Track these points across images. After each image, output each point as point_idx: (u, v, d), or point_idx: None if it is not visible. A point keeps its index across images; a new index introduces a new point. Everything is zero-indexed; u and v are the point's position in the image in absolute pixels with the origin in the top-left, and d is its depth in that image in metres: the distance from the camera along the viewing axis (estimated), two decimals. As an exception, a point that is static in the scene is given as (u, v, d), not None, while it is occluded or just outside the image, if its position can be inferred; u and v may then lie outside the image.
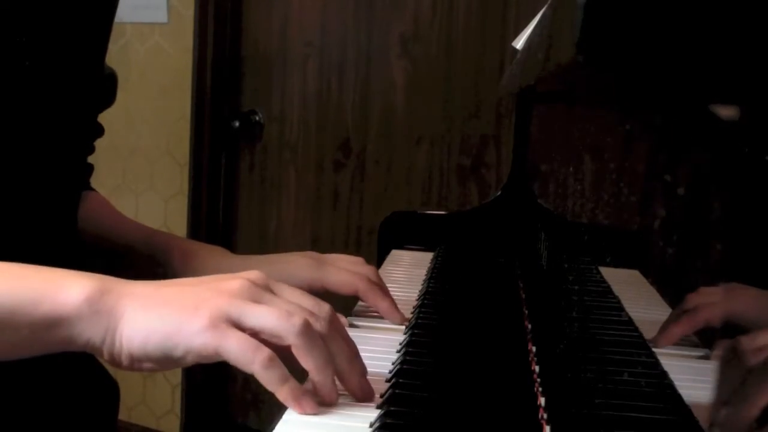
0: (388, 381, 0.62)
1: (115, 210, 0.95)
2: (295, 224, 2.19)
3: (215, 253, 0.87)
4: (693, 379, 0.68)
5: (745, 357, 0.59)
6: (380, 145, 2.05)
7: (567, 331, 0.78)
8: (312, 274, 0.82)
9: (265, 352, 0.54)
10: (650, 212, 0.89)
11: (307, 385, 0.57)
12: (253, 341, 0.54)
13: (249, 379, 2.35)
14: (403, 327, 0.80)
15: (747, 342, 0.60)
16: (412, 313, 0.83)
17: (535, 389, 0.63)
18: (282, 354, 0.56)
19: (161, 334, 0.55)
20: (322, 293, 0.82)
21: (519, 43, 1.11)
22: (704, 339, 0.80)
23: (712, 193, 0.83)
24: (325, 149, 2.13)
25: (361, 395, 0.59)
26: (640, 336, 0.78)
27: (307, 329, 0.55)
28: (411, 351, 0.69)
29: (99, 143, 0.93)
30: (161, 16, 2.24)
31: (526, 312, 0.86)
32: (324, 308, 0.59)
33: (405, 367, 0.64)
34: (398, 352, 0.71)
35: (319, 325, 0.57)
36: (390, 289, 0.85)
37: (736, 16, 0.33)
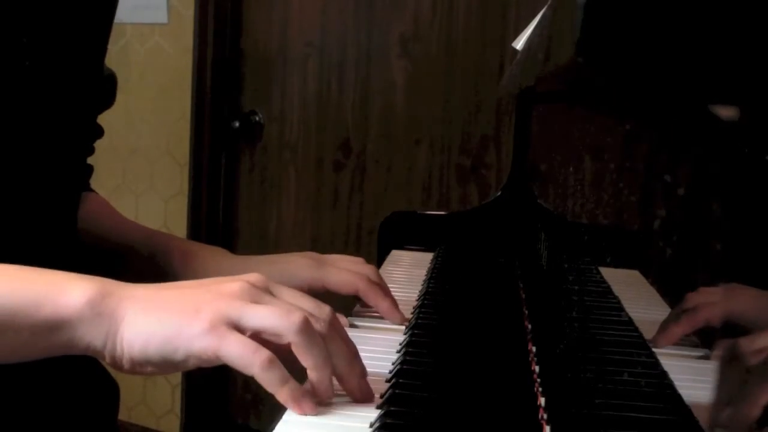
0: (388, 381, 0.62)
1: (114, 211, 0.95)
2: (295, 224, 2.19)
3: (215, 253, 0.87)
4: (693, 379, 0.68)
5: (745, 359, 0.59)
6: (380, 145, 2.05)
7: (567, 331, 0.78)
8: (312, 274, 0.82)
9: (265, 353, 0.54)
10: (650, 212, 0.89)
11: (306, 385, 0.57)
12: (253, 343, 0.54)
13: (249, 380, 2.33)
14: (403, 327, 0.80)
15: (746, 344, 0.60)
16: (412, 313, 0.83)
17: (535, 389, 0.63)
18: (282, 356, 0.56)
19: (161, 337, 0.55)
20: (322, 293, 0.82)
21: (519, 43, 1.11)
22: (704, 339, 0.80)
23: (712, 193, 0.83)
24: (325, 149, 2.13)
25: (360, 396, 0.59)
26: (640, 336, 0.78)
27: (306, 327, 0.55)
28: (411, 351, 0.69)
29: (99, 144, 0.93)
30: (161, 17, 2.24)
31: (526, 312, 0.86)
32: (324, 310, 0.59)
33: (405, 367, 0.64)
34: (398, 352, 0.71)
35: (318, 326, 0.57)
36: (390, 289, 0.85)
37: (735, 17, 0.33)
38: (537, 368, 0.68)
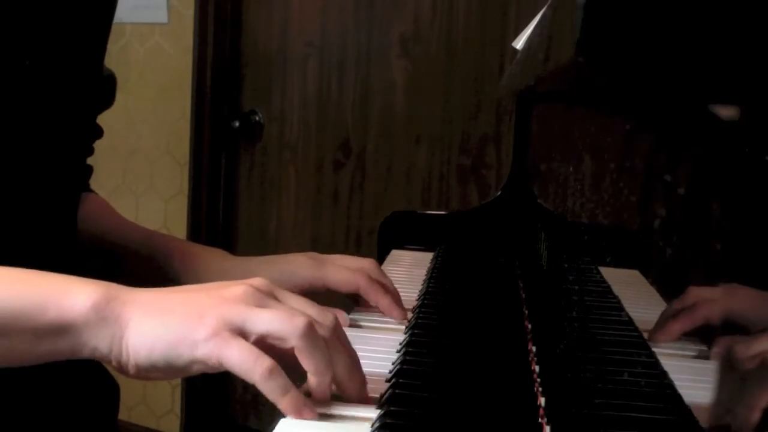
0: (388, 381, 0.62)
1: (114, 212, 0.95)
2: (295, 224, 2.19)
3: (216, 255, 0.87)
4: (693, 379, 0.68)
5: (742, 364, 0.59)
6: (380, 145, 2.05)
7: (567, 331, 0.78)
8: (313, 272, 0.82)
9: (266, 362, 0.54)
10: (650, 212, 0.89)
11: (303, 387, 0.57)
12: (255, 351, 0.54)
13: (249, 379, 2.34)
14: (404, 327, 0.80)
15: (742, 350, 0.60)
16: (412, 313, 0.83)
17: (535, 389, 0.63)
18: (285, 360, 0.56)
19: (165, 343, 0.55)
20: (323, 293, 0.82)
21: (519, 43, 1.11)
22: (704, 339, 0.80)
23: (712, 193, 0.83)
24: (325, 149, 2.13)
25: (358, 402, 0.59)
26: (640, 336, 0.78)
27: (310, 332, 0.55)
28: (411, 351, 0.69)
29: (99, 144, 0.93)
30: (161, 16, 2.24)
31: (526, 312, 0.86)
32: (328, 317, 0.59)
33: (405, 367, 0.64)
34: (398, 352, 0.71)
35: (322, 331, 0.57)
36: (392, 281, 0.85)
37: (735, 17, 0.33)
38: (537, 368, 0.68)
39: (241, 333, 0.55)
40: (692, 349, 0.79)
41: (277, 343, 0.55)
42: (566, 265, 0.95)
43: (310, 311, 0.59)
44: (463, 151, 1.95)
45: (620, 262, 1.01)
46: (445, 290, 0.95)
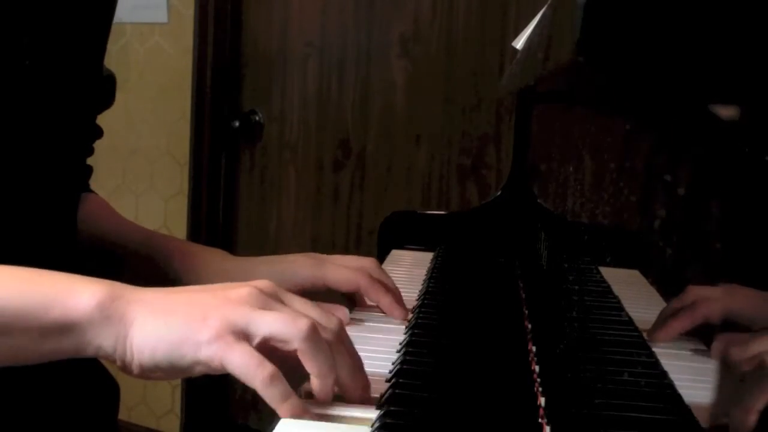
0: (388, 381, 0.62)
1: (114, 212, 0.95)
2: (295, 224, 2.19)
3: (216, 255, 0.87)
4: (693, 379, 0.68)
5: (739, 366, 0.59)
6: (380, 145, 2.05)
7: (567, 331, 0.78)
8: (313, 272, 0.82)
9: (268, 368, 0.54)
10: (650, 212, 0.89)
11: (308, 385, 0.57)
12: (257, 357, 0.54)
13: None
14: (403, 327, 0.80)
15: (738, 352, 0.60)
16: (411, 313, 0.83)
17: (535, 389, 0.63)
18: (287, 364, 0.56)
19: (168, 344, 0.55)
20: (323, 292, 0.82)
21: (519, 43, 1.11)
22: (704, 338, 0.80)
23: (712, 193, 0.83)
24: (325, 149, 2.13)
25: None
26: (640, 336, 0.78)
27: (313, 334, 0.55)
28: (411, 351, 0.69)
29: (99, 144, 0.93)
30: (161, 16, 2.24)
31: (526, 312, 0.86)
32: (332, 320, 0.59)
33: (405, 367, 0.64)
34: (398, 352, 0.71)
35: (325, 334, 0.57)
36: (392, 279, 0.85)
37: (735, 17, 0.33)
38: (537, 368, 0.68)
39: (245, 335, 0.55)
40: (692, 348, 0.79)
41: (280, 345, 0.55)
42: (566, 265, 0.95)
43: (314, 314, 0.59)
44: (463, 151, 1.95)
45: (620, 262, 1.01)
46: (445, 290, 0.95)
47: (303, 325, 0.55)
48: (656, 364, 0.70)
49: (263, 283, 0.59)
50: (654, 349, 0.74)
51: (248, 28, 2.22)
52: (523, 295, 0.93)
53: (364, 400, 0.58)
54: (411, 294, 0.93)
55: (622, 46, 0.34)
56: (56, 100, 0.75)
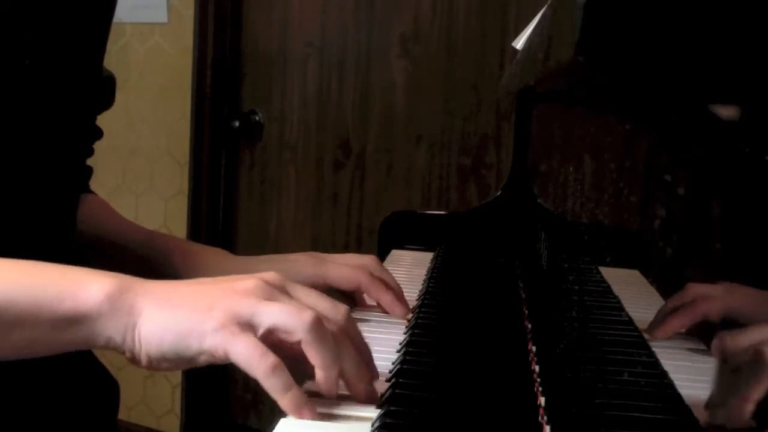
0: (388, 381, 0.62)
1: (114, 212, 0.95)
2: (295, 224, 2.19)
3: (217, 254, 0.87)
4: (693, 379, 0.68)
5: (734, 357, 0.59)
6: (380, 145, 2.05)
7: (567, 331, 0.78)
8: (314, 270, 0.82)
9: (270, 359, 0.54)
10: (650, 212, 0.89)
11: (310, 385, 0.57)
12: (261, 347, 0.54)
13: (249, 380, 2.35)
14: (404, 326, 0.80)
15: (733, 342, 0.60)
16: (412, 312, 0.83)
17: (535, 389, 0.63)
18: (294, 363, 0.56)
19: (174, 334, 0.55)
20: (325, 291, 0.82)
21: (519, 43, 1.11)
22: (704, 337, 0.80)
23: (712, 193, 0.83)
24: (325, 149, 2.13)
25: (365, 403, 0.59)
26: (640, 336, 0.78)
27: (317, 325, 0.55)
28: (411, 351, 0.69)
29: (99, 144, 0.93)
30: (161, 16, 2.24)
31: (526, 312, 0.86)
32: (340, 310, 0.59)
33: (405, 367, 0.64)
34: (398, 352, 0.71)
35: (331, 326, 0.57)
36: (394, 276, 0.86)
37: (735, 17, 0.33)
38: (537, 368, 0.68)
39: (249, 326, 0.55)
40: (692, 348, 0.79)
41: (284, 336, 0.55)
42: (566, 265, 0.95)
43: (322, 305, 0.59)
44: (463, 151, 1.95)
45: (620, 262, 1.01)
46: (445, 290, 0.95)
47: (307, 316, 0.55)
48: (656, 363, 0.70)
49: (270, 276, 0.60)
50: (654, 349, 0.74)
51: (248, 28, 2.22)
52: (523, 295, 0.93)
53: (369, 394, 0.58)
54: (411, 294, 0.93)
55: (621, 46, 0.34)
56: (56, 100, 0.75)
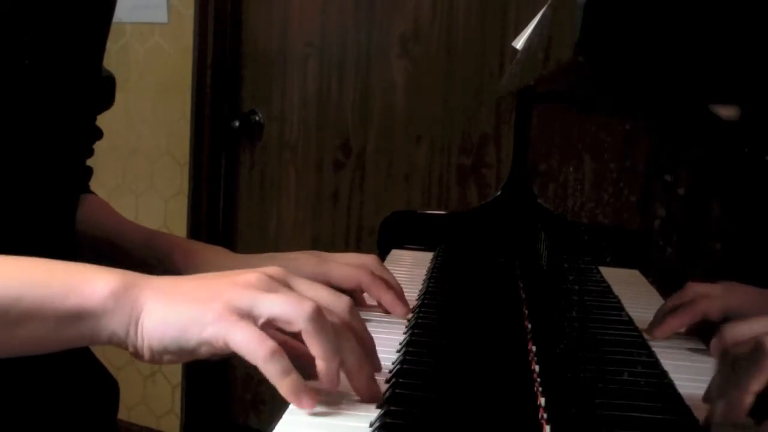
0: (388, 381, 0.62)
1: (115, 212, 0.95)
2: (295, 224, 2.20)
3: (218, 252, 0.87)
4: (693, 379, 0.68)
5: (733, 350, 0.59)
6: (380, 145, 2.06)
7: (567, 331, 0.78)
8: (315, 269, 0.82)
9: (269, 343, 0.54)
10: (650, 212, 0.89)
11: (312, 383, 0.57)
12: (259, 333, 0.55)
13: (249, 379, 2.35)
14: (404, 326, 0.80)
15: (731, 335, 0.60)
16: (412, 312, 0.83)
17: (535, 389, 0.63)
18: (299, 362, 0.56)
19: (176, 327, 0.56)
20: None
21: (519, 43, 1.11)
22: (704, 337, 0.80)
23: (712, 193, 0.83)
24: (325, 149, 2.13)
25: (365, 397, 0.58)
26: (640, 336, 0.78)
27: (317, 316, 0.55)
28: (411, 351, 0.69)
29: (99, 143, 0.93)
30: (161, 16, 2.24)
31: (526, 312, 0.86)
32: (343, 302, 0.60)
33: (405, 367, 0.64)
34: (398, 352, 0.71)
35: (332, 318, 0.57)
36: (394, 276, 0.86)
37: (735, 16, 0.33)
38: (537, 368, 0.68)
39: (249, 316, 0.56)
40: (691, 348, 0.79)
41: (284, 326, 0.56)
42: (566, 265, 0.95)
43: (325, 296, 0.60)
44: (463, 151, 1.95)
45: (620, 262, 1.01)
46: (445, 290, 0.95)
47: (308, 306, 0.56)
48: (656, 363, 0.70)
49: (273, 270, 0.60)
50: (654, 349, 0.74)
51: (248, 28, 2.22)
52: (523, 295, 0.93)
53: (369, 387, 0.58)
54: (411, 294, 0.93)
55: (622, 46, 0.34)
56: (56, 101, 0.75)
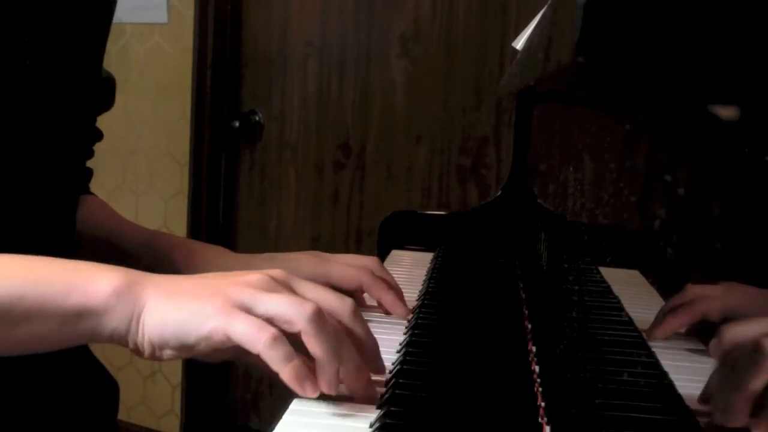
0: (387, 381, 0.62)
1: (115, 213, 0.95)
2: (295, 224, 2.19)
3: (218, 252, 0.87)
4: (693, 380, 0.68)
5: (732, 352, 0.59)
6: (380, 145, 2.05)
7: (567, 331, 0.78)
8: (316, 269, 0.82)
9: (270, 330, 0.54)
10: (650, 212, 0.89)
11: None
12: (259, 322, 0.55)
13: (249, 380, 2.35)
14: (404, 327, 0.80)
15: (729, 336, 0.60)
16: (412, 313, 0.83)
17: (535, 389, 0.63)
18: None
19: (176, 322, 0.56)
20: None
21: (519, 43, 1.11)
22: (704, 338, 0.80)
23: (712, 193, 0.83)
24: (325, 149, 2.13)
25: (363, 401, 0.59)
26: (640, 336, 0.78)
27: (317, 317, 0.56)
28: (411, 351, 0.69)
29: (99, 144, 0.93)
30: (161, 16, 2.24)
31: (526, 312, 0.86)
32: (347, 304, 0.60)
33: (405, 367, 0.64)
34: (398, 352, 0.71)
35: (334, 322, 0.58)
36: (394, 278, 0.85)
37: (735, 16, 0.33)
38: (537, 368, 0.68)
39: (249, 311, 0.56)
40: (691, 348, 0.79)
41: (284, 326, 0.56)
42: (566, 265, 0.95)
43: (328, 299, 0.60)
44: (463, 151, 1.95)
45: (620, 262, 1.01)
46: (445, 290, 0.95)
47: (308, 307, 0.56)
48: (656, 364, 0.70)
49: (276, 272, 0.61)
50: (654, 349, 0.74)
51: (248, 28, 2.22)
52: (523, 295, 0.93)
53: (367, 392, 0.58)
54: (411, 294, 0.93)
55: (622, 46, 0.34)
56: (56, 101, 0.75)
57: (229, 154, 2.26)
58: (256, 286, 0.58)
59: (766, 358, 0.54)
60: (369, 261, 0.85)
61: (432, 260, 1.13)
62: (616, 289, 0.91)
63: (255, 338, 0.54)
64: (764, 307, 0.75)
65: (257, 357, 0.55)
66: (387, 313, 0.83)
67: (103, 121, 0.91)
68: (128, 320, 0.57)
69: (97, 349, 0.88)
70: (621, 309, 0.85)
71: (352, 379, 0.58)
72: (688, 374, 0.69)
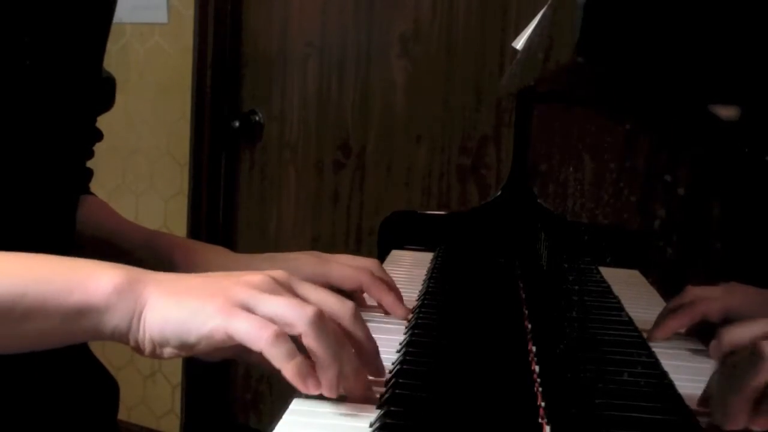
0: (387, 381, 0.62)
1: (115, 213, 0.95)
2: (295, 224, 2.19)
3: (218, 252, 0.87)
4: (693, 380, 0.68)
5: (732, 354, 0.59)
6: (380, 145, 2.05)
7: (567, 331, 0.78)
8: (315, 270, 0.82)
9: (273, 327, 0.54)
10: (650, 212, 0.89)
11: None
12: (261, 319, 0.55)
13: (249, 380, 2.35)
14: (403, 327, 0.80)
15: (729, 338, 0.60)
16: (412, 313, 0.84)
17: (535, 389, 0.63)
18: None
19: (177, 320, 0.56)
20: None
21: (519, 43, 1.11)
22: (704, 338, 0.80)
23: (712, 193, 0.83)
24: (325, 149, 2.13)
25: (362, 402, 0.59)
26: (640, 336, 0.78)
27: (318, 319, 0.56)
28: (411, 351, 0.69)
29: (99, 144, 0.93)
30: (161, 16, 2.24)
31: (526, 312, 0.86)
32: (348, 306, 0.60)
33: (405, 367, 0.64)
34: (398, 352, 0.71)
35: (334, 324, 0.58)
36: (394, 280, 0.85)
37: (735, 17, 0.33)
38: (537, 368, 0.68)
39: (250, 311, 0.56)
40: (691, 348, 0.79)
41: (285, 329, 0.56)
42: (566, 265, 0.95)
43: (330, 301, 0.60)
44: (463, 151, 1.95)
45: (620, 262, 1.01)
46: (445, 290, 0.95)
47: (309, 310, 0.56)
48: (656, 364, 0.70)
49: (278, 273, 0.61)
50: (654, 349, 0.74)
51: (248, 28, 2.22)
52: (523, 295, 0.93)
53: (366, 397, 0.58)
54: (411, 294, 0.93)
55: (622, 46, 0.34)
56: (56, 102, 0.75)
57: (229, 154, 2.26)
58: (258, 287, 0.58)
59: (764, 361, 0.54)
60: (368, 262, 0.85)
61: (432, 260, 1.13)
62: (616, 289, 0.91)
63: (257, 336, 0.54)
64: (764, 307, 0.75)
65: (259, 355, 0.55)
66: (387, 313, 0.83)
67: (103, 121, 0.91)
68: (129, 318, 0.57)
69: (97, 349, 0.88)
70: (621, 309, 0.85)
71: (350, 382, 0.58)
72: (688, 374, 0.69)
